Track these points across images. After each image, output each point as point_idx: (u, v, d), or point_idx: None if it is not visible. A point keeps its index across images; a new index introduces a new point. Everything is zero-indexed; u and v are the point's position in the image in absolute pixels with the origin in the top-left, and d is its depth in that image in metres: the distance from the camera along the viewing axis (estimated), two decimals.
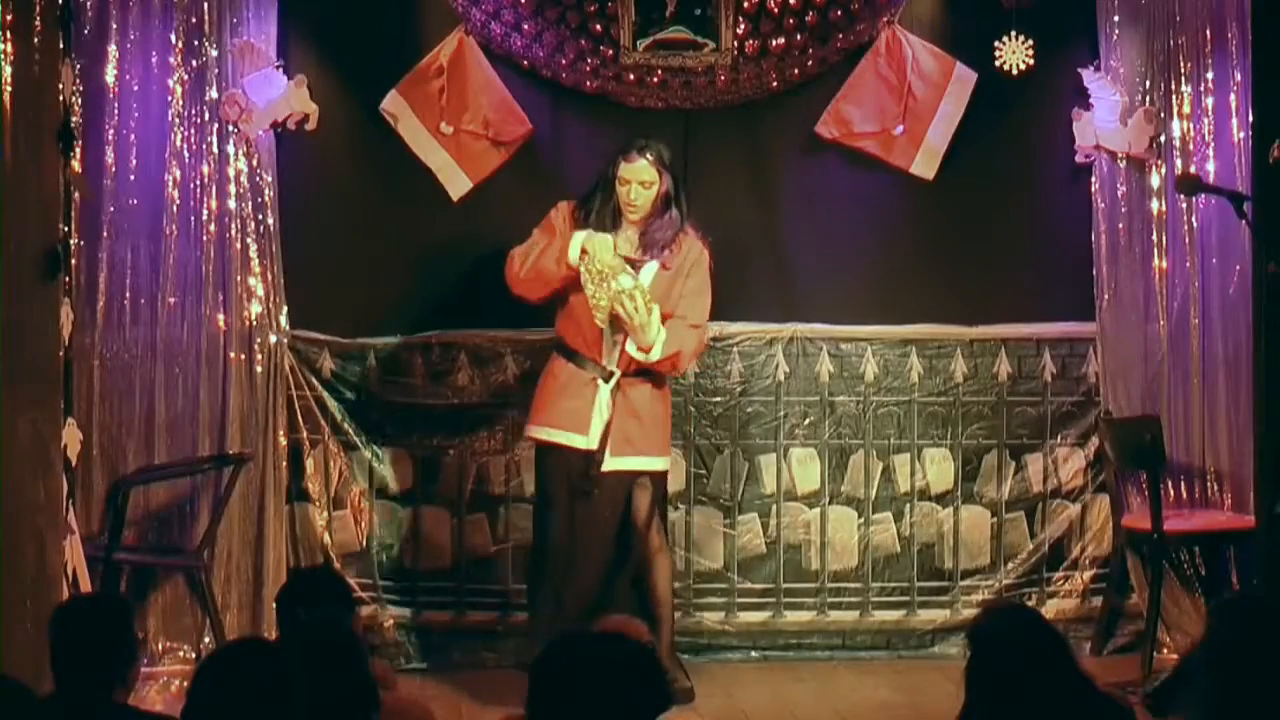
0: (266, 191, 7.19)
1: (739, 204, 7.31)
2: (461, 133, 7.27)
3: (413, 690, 6.27)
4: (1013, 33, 7.22)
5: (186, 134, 7.13)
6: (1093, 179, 7.46)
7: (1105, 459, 7.41)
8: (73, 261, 6.30)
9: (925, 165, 7.41)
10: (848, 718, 6.63)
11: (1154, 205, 7.42)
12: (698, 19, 7.21)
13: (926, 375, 7.50)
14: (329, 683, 3.77)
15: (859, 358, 7.48)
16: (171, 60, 7.11)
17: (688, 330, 6.52)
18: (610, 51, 7.21)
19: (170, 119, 7.11)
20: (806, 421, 7.47)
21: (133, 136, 7.10)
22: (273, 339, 7.23)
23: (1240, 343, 7.07)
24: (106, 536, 6.85)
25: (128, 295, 7.12)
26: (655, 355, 6.45)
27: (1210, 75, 7.28)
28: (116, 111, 7.07)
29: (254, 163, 7.19)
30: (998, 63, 7.24)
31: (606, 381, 6.52)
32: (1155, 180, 7.41)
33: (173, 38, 7.11)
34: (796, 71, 7.32)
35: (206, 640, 7.11)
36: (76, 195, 6.22)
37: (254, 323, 7.21)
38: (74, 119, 6.15)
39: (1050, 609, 7.33)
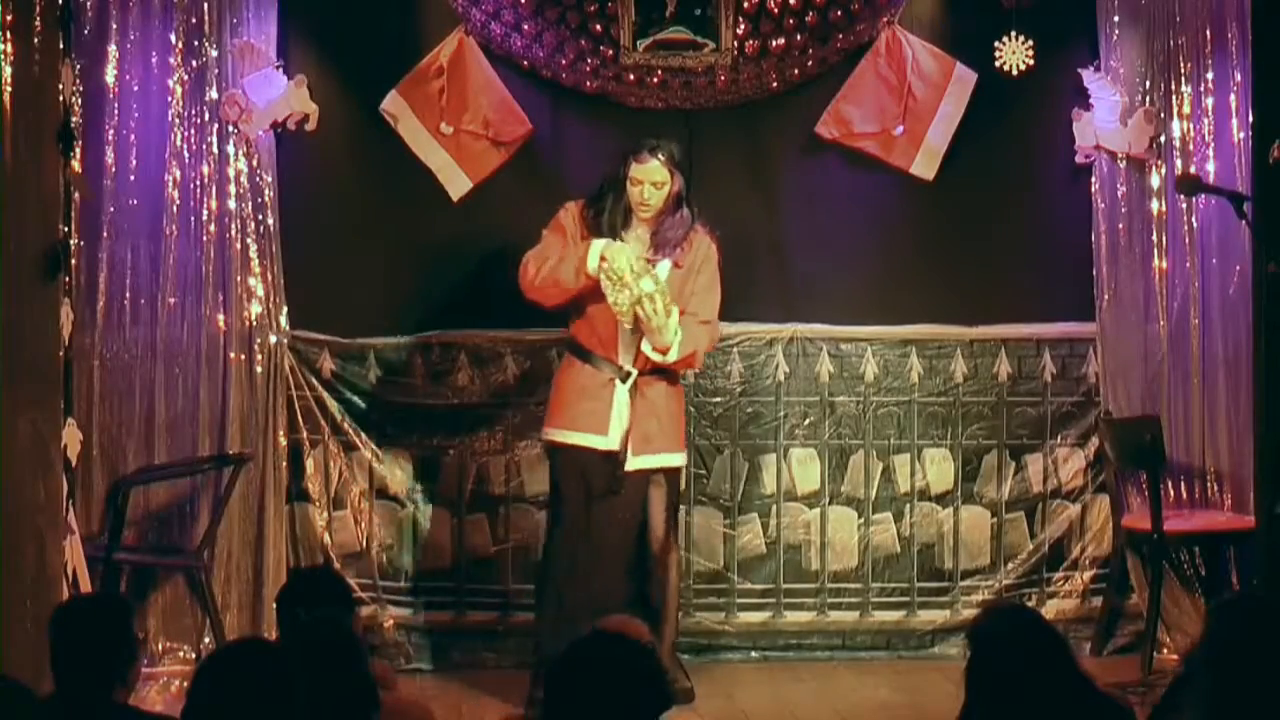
0: (266, 191, 7.20)
1: (739, 204, 7.31)
2: (461, 133, 7.28)
3: (413, 690, 6.27)
4: (1013, 33, 7.22)
5: (186, 134, 7.14)
6: (1093, 179, 7.47)
7: (1105, 459, 7.41)
8: (73, 261, 6.30)
9: (925, 165, 7.41)
10: (848, 718, 6.63)
11: (1154, 205, 7.42)
12: (698, 19, 7.21)
13: (926, 375, 7.50)
14: (329, 683, 3.77)
15: (859, 358, 7.48)
16: (171, 60, 7.11)
17: (700, 327, 6.53)
18: (610, 51, 7.21)
19: (170, 119, 7.12)
20: (806, 422, 7.47)
21: (133, 136, 7.10)
22: (273, 339, 7.23)
23: (1240, 343, 7.07)
24: (106, 536, 6.85)
25: (128, 295, 7.12)
26: (673, 356, 6.45)
27: (1210, 75, 7.28)
28: (116, 111, 7.07)
29: (254, 163, 7.19)
30: (998, 63, 7.24)
31: (624, 382, 6.52)
32: (1155, 180, 7.41)
33: (173, 38, 7.11)
34: (796, 72, 7.33)
35: (206, 640, 7.11)
36: (76, 195, 6.22)
37: (254, 323, 7.21)
38: (74, 119, 6.15)
39: (1050, 609, 7.33)
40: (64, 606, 4.60)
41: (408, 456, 7.36)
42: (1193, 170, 7.20)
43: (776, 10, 7.21)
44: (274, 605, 5.21)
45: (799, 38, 7.25)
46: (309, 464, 7.30)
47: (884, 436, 7.50)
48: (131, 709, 4.15)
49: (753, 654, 7.43)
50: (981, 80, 7.35)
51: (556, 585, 6.49)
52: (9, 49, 5.49)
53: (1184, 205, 7.33)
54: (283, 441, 7.23)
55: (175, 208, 7.14)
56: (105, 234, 7.09)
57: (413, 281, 7.37)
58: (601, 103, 7.32)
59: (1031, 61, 7.23)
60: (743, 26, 7.22)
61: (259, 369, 7.22)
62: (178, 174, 7.13)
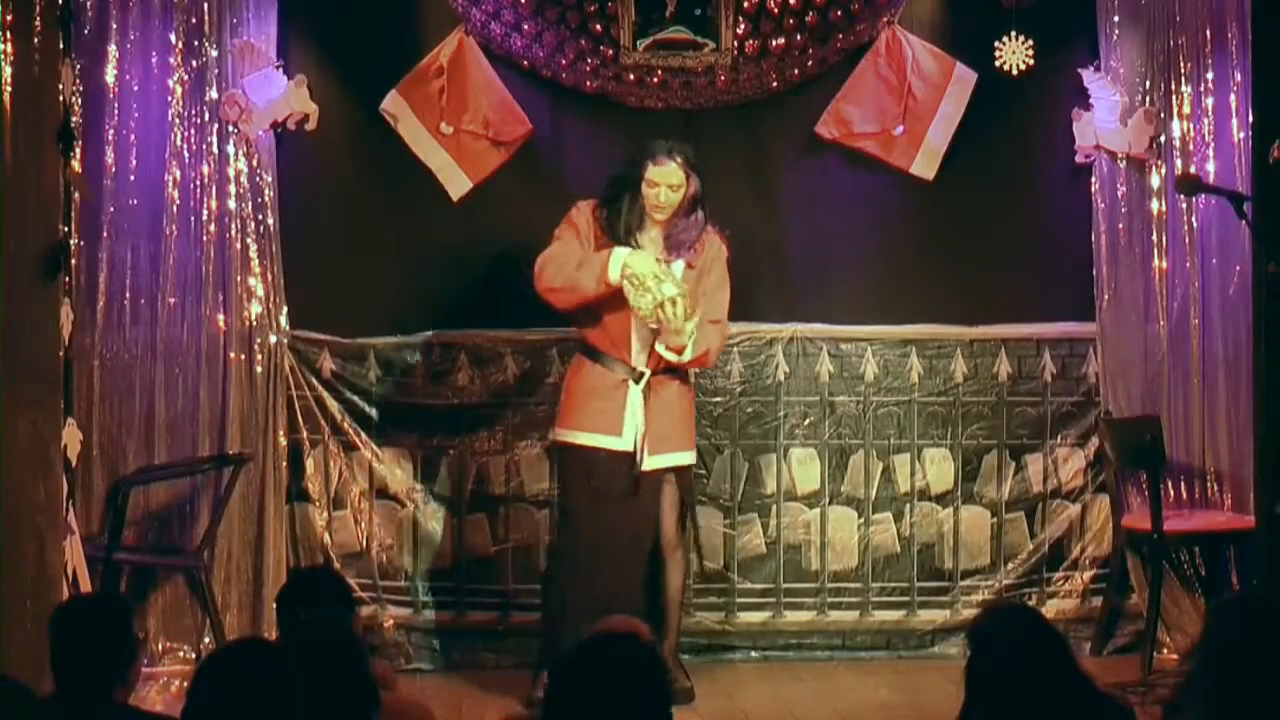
0: (266, 191, 7.20)
1: (739, 204, 7.30)
2: (461, 133, 7.28)
3: (413, 690, 6.27)
4: (1013, 33, 7.22)
5: (186, 134, 7.14)
6: (1093, 179, 7.47)
7: (1105, 459, 7.41)
8: (73, 261, 6.30)
9: (925, 165, 7.41)
10: (848, 718, 6.63)
11: (1154, 205, 7.42)
12: (698, 19, 7.21)
13: (926, 375, 7.50)
14: (329, 683, 3.77)
15: (859, 358, 7.48)
16: (171, 60, 7.11)
17: (711, 327, 6.54)
18: (610, 51, 7.21)
19: (170, 119, 7.12)
20: (806, 421, 7.47)
21: (133, 136, 7.10)
22: (273, 339, 7.23)
23: (1240, 343, 7.07)
24: (106, 536, 6.85)
25: (128, 295, 7.12)
26: (688, 355, 6.47)
27: (1210, 75, 7.28)
28: (116, 111, 7.07)
29: (254, 163, 7.19)
30: (998, 63, 7.24)
31: (637, 382, 6.52)
32: (1155, 180, 7.41)
33: (173, 38, 7.11)
34: (796, 71, 7.33)
35: (206, 640, 7.11)
36: (76, 195, 6.22)
37: (254, 323, 7.21)
38: (74, 119, 6.15)
39: (1050, 609, 7.33)
40: (64, 606, 4.60)
41: (408, 456, 7.36)
42: (1193, 170, 7.20)
43: (776, 10, 7.21)
44: (274, 605, 5.21)
45: (799, 38, 7.26)
46: (309, 464, 7.30)
47: (884, 436, 7.50)
48: (131, 709, 4.14)
49: (753, 654, 7.43)
50: (981, 80, 7.35)
51: (563, 585, 6.48)
52: (9, 49, 5.49)
53: (1184, 205, 7.33)
54: (283, 441, 7.23)
55: (175, 208, 7.14)
56: (105, 234, 7.09)
57: (412, 281, 7.37)
58: (601, 103, 7.33)
59: (1031, 61, 7.23)
60: (743, 26, 7.22)
61: (259, 369, 7.22)
62: (178, 174, 7.13)
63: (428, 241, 7.37)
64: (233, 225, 7.17)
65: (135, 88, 7.09)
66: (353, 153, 7.39)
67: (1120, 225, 7.44)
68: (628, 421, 6.49)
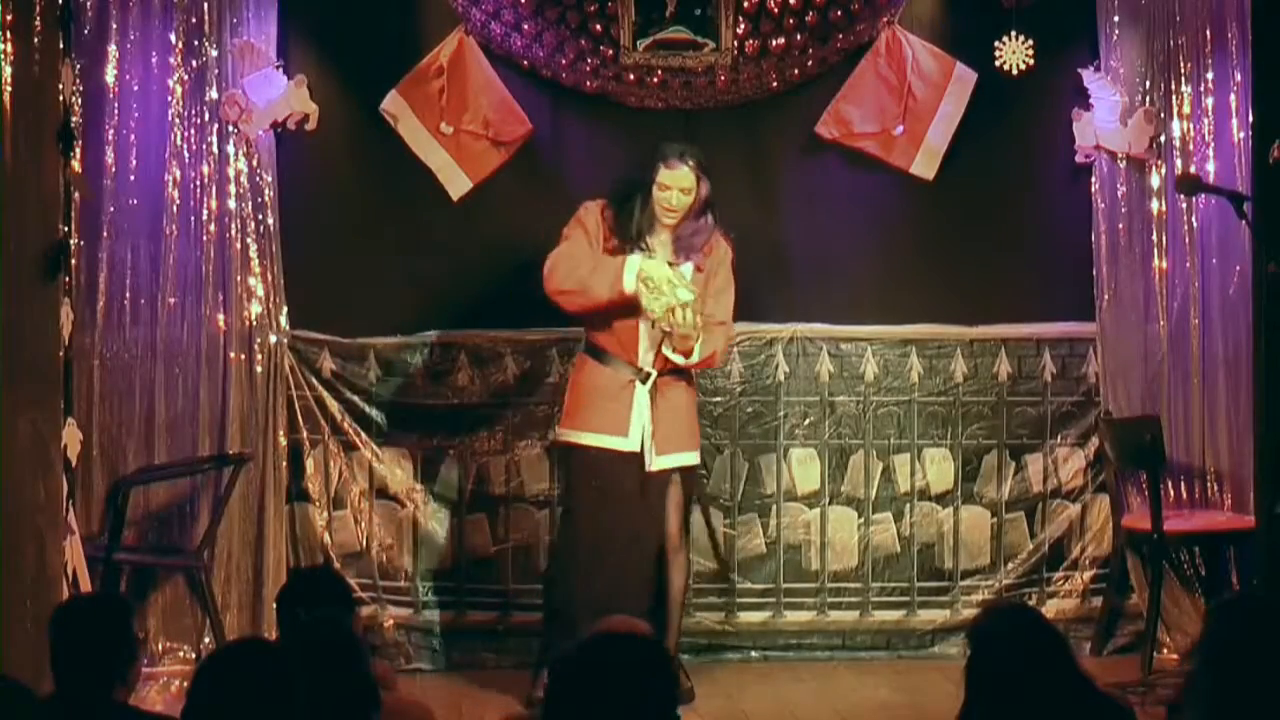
0: (266, 191, 7.20)
1: (739, 204, 7.30)
2: (461, 133, 7.28)
3: (413, 690, 6.27)
4: (1013, 33, 7.22)
5: (186, 134, 7.14)
6: (1093, 179, 7.47)
7: (1105, 459, 7.41)
8: (73, 261, 6.30)
9: (925, 165, 7.41)
10: (848, 718, 6.63)
11: (1154, 205, 7.42)
12: (698, 19, 7.21)
13: (926, 375, 7.50)
14: (329, 683, 3.77)
15: (859, 358, 7.48)
16: (171, 60, 7.11)
17: (717, 329, 6.55)
18: (610, 51, 7.21)
19: (170, 119, 7.12)
20: (806, 421, 7.47)
21: (133, 136, 7.10)
22: (273, 339, 7.23)
23: (1240, 343, 7.07)
24: (106, 536, 6.85)
25: (128, 295, 7.13)
26: (695, 358, 6.48)
27: (1210, 75, 7.28)
28: (116, 111, 7.07)
29: (254, 163, 7.19)
30: (998, 63, 7.24)
31: (644, 383, 6.52)
32: (1155, 180, 7.41)
33: (173, 38, 7.11)
34: (796, 71, 7.33)
35: (206, 640, 7.11)
36: (76, 195, 6.22)
37: (254, 323, 7.21)
38: (74, 119, 6.15)
39: (1050, 609, 7.33)
40: (64, 606, 4.59)
41: (408, 456, 7.36)
42: (1193, 170, 7.20)
43: (776, 10, 7.21)
44: (274, 605, 5.21)
45: (799, 38, 7.26)
46: (309, 464, 7.30)
47: (884, 436, 7.50)
48: (131, 709, 4.14)
49: (753, 654, 7.43)
50: (981, 80, 7.35)
51: (569, 586, 6.47)
52: (9, 49, 5.49)
53: (1184, 205, 7.33)
54: (283, 441, 7.23)
55: (175, 208, 7.14)
56: (105, 234, 7.09)
57: (412, 281, 7.36)
58: (601, 103, 7.33)
59: (1031, 61, 7.23)
60: (743, 26, 7.22)
61: (259, 369, 7.22)
62: (178, 174, 7.13)
63: (428, 241, 7.37)
64: (233, 225, 7.17)
65: (135, 88, 7.10)
66: (353, 153, 7.39)
67: (1120, 225, 7.44)
68: (634, 422, 6.49)
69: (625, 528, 6.44)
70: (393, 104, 7.26)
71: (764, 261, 7.33)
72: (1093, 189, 7.47)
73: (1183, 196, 7.22)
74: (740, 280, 6.82)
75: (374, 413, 7.33)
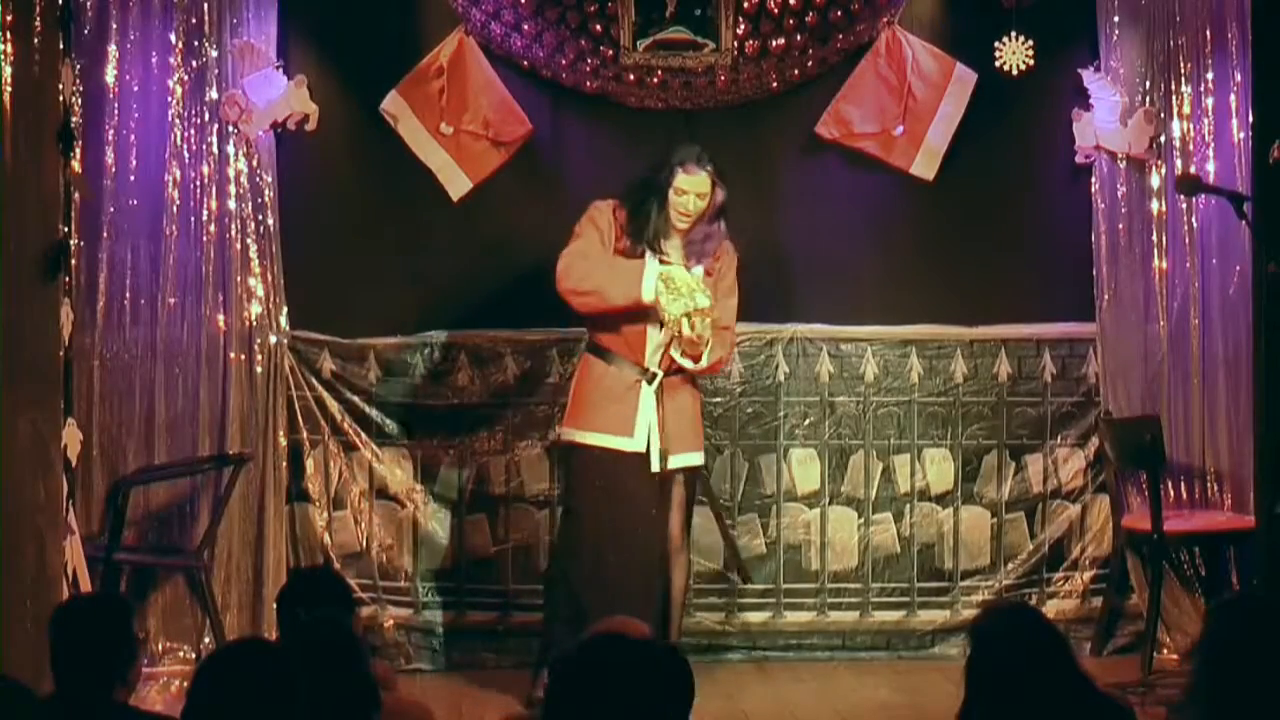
0: (266, 191, 7.20)
1: (739, 204, 7.29)
2: (461, 133, 7.28)
3: (413, 690, 6.27)
4: (1013, 33, 7.22)
5: (186, 134, 7.14)
6: (1093, 179, 7.47)
7: (1105, 459, 7.41)
8: (73, 261, 6.30)
9: (925, 165, 7.41)
10: (848, 718, 6.63)
11: (1154, 205, 7.42)
12: (698, 19, 7.21)
13: (926, 375, 7.50)
14: (329, 683, 3.77)
15: (859, 358, 7.48)
16: (171, 60, 7.11)
17: (723, 333, 6.54)
18: (610, 52, 7.21)
19: (170, 119, 7.12)
20: (806, 422, 7.47)
21: (133, 136, 7.10)
22: (273, 339, 7.23)
23: (1240, 343, 7.07)
24: (106, 536, 6.85)
25: (128, 295, 7.13)
26: (704, 362, 6.48)
27: (1210, 75, 7.28)
28: (116, 111, 7.07)
29: (254, 163, 7.19)
30: (998, 63, 7.24)
31: (650, 383, 6.52)
32: (1155, 180, 7.41)
33: (173, 38, 7.11)
34: (796, 72, 7.33)
35: (206, 640, 7.11)
36: (76, 195, 6.21)
37: (254, 323, 7.21)
38: (74, 119, 6.15)
39: (1050, 609, 7.33)
40: (64, 606, 4.59)
41: (408, 456, 7.36)
42: (1193, 170, 7.20)
43: (776, 10, 7.21)
44: (274, 605, 5.21)
45: (799, 38, 7.26)
46: (309, 464, 7.30)
47: (884, 436, 7.50)
48: (131, 709, 4.14)
49: (753, 654, 7.43)
50: (981, 80, 7.35)
51: (570, 586, 6.46)
52: (9, 49, 5.49)
53: (1184, 205, 7.33)
54: (283, 441, 7.23)
55: (175, 208, 7.14)
56: (105, 234, 7.09)
57: (413, 281, 7.36)
58: (601, 103, 7.33)
59: (1031, 61, 7.23)
60: (743, 26, 7.22)
61: (259, 369, 7.22)
62: (178, 174, 7.13)
63: (428, 241, 7.37)
64: (233, 225, 7.17)
65: (135, 88, 7.10)
66: (353, 153, 7.39)
67: (1120, 225, 7.44)
68: (640, 422, 6.48)
69: (630, 528, 6.43)
70: (393, 104, 7.26)
71: (764, 261, 7.32)
72: (1093, 189, 7.47)
73: (1183, 196, 7.22)
74: (740, 280, 6.82)
75: (374, 413, 7.33)
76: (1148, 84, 7.39)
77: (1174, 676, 6.60)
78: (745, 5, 7.18)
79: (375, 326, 7.35)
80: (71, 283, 6.20)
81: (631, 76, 7.24)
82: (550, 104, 7.36)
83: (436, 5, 7.28)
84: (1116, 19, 7.38)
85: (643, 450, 6.47)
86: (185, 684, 3.79)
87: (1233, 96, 7.21)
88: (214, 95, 7.14)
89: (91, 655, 4.03)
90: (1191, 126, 7.33)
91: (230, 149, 7.17)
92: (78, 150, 6.30)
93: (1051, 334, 7.52)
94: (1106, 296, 7.45)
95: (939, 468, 7.50)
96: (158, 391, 7.16)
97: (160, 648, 7.13)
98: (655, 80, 7.26)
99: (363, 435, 7.32)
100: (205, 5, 7.12)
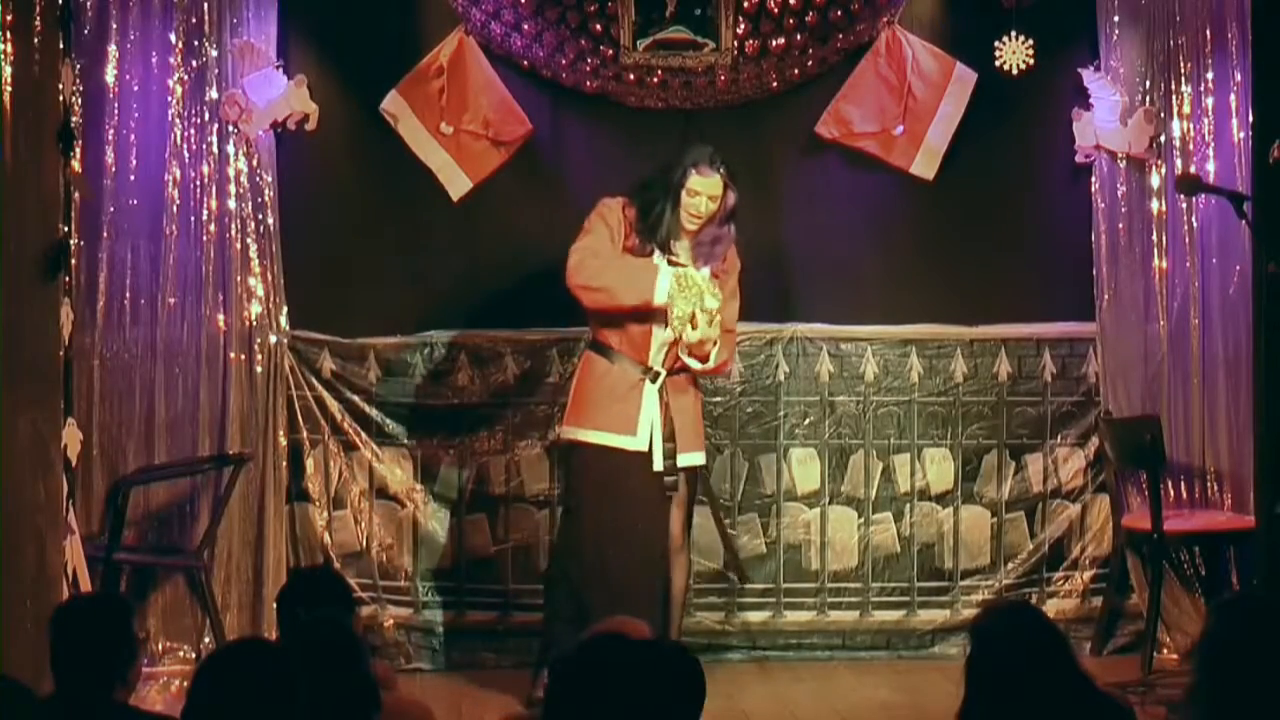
0: (266, 191, 7.20)
1: (739, 204, 7.30)
2: (461, 133, 7.28)
3: (413, 690, 6.27)
4: (1013, 33, 7.22)
5: (186, 134, 7.14)
6: (1093, 179, 7.47)
7: (1105, 459, 7.41)
8: (73, 261, 6.30)
9: (925, 165, 7.41)
10: (848, 718, 6.63)
11: (1154, 205, 7.42)
12: (698, 19, 7.21)
13: (926, 375, 7.50)
14: (329, 683, 3.77)
15: (859, 358, 7.48)
16: (171, 60, 7.11)
17: (726, 335, 6.54)
18: (610, 51, 7.21)
19: (170, 119, 7.12)
20: (806, 421, 7.47)
21: (133, 136, 7.10)
22: (273, 339, 7.23)
23: (1240, 343, 7.07)
24: (106, 536, 6.85)
25: (128, 295, 7.13)
26: (711, 363, 6.48)
27: (1210, 75, 7.28)
28: (116, 111, 7.07)
29: (254, 163, 7.19)
30: (998, 63, 7.24)
31: (653, 382, 6.51)
32: (1155, 180, 7.41)
33: (173, 38, 7.11)
34: (796, 71, 7.33)
35: (206, 640, 7.11)
36: (76, 195, 6.22)
37: (254, 323, 7.21)
38: (74, 119, 6.15)
39: (1050, 609, 7.31)
40: (64, 606, 4.59)
41: (408, 456, 7.36)
42: (1193, 170, 7.20)
43: (776, 10, 7.21)
44: (274, 605, 5.21)
45: (799, 38, 7.26)
46: (309, 464, 7.30)
47: (884, 436, 7.49)
48: (131, 709, 4.14)
49: (753, 654, 7.43)
50: (981, 80, 7.35)
51: (571, 585, 6.46)
52: (9, 49, 5.49)
53: (1184, 205, 7.33)
54: (283, 441, 7.23)
55: (175, 208, 7.14)
56: (105, 234, 7.09)
57: (413, 281, 7.37)
58: (601, 103, 7.32)
59: (1031, 61, 7.23)
60: (743, 26, 7.22)
61: (259, 369, 7.22)
62: (178, 174, 7.13)
63: (428, 241, 7.37)
64: (233, 225, 7.18)
65: (135, 88, 7.10)
66: (353, 153, 7.39)
67: (1120, 225, 7.44)
68: (642, 422, 6.47)
69: (633, 528, 6.42)
70: (393, 104, 7.26)
71: (764, 261, 7.32)
72: (1093, 189, 7.47)
73: (1183, 196, 7.22)
74: (741, 280, 6.82)
75: (374, 413, 7.33)
76: (1148, 84, 7.39)
77: (1174, 676, 6.61)
78: (745, 5, 7.18)
79: (375, 326, 7.35)
80: (71, 283, 6.21)
81: (631, 76, 7.24)
82: (550, 104, 7.36)
83: (436, 5, 7.28)
84: (1116, 19, 7.38)
85: (645, 449, 6.46)
86: (185, 684, 3.80)
87: (1233, 96, 7.21)
88: (214, 95, 7.15)
89: (91, 655, 4.03)
90: (1191, 126, 7.33)
91: (230, 149, 7.17)
92: (78, 150, 6.31)
93: (1051, 334, 7.52)
94: (1106, 296, 7.45)
95: (939, 467, 7.50)
96: (158, 391, 7.16)
97: (160, 648, 7.14)
98: (655, 80, 7.26)
99: (363, 435, 7.32)
100: (205, 5, 7.12)
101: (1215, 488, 7.31)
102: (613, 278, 6.38)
